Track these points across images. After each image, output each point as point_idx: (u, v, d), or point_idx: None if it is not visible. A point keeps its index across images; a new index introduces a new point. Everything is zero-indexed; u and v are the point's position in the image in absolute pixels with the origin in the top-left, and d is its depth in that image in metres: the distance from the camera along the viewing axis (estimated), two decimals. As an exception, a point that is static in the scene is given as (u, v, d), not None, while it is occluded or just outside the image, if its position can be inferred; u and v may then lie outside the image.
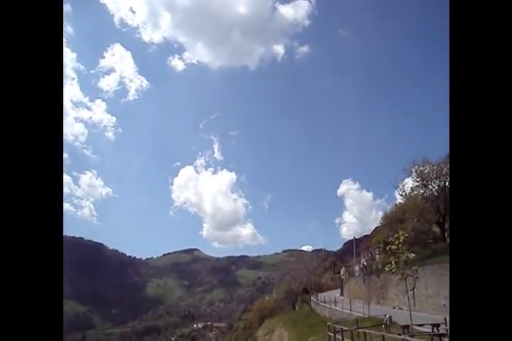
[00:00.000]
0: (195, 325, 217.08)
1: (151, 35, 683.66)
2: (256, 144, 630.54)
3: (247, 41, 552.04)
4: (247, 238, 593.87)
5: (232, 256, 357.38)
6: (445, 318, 20.44)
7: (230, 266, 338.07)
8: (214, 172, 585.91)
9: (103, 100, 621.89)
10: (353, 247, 70.17)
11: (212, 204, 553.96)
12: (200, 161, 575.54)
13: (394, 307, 35.34)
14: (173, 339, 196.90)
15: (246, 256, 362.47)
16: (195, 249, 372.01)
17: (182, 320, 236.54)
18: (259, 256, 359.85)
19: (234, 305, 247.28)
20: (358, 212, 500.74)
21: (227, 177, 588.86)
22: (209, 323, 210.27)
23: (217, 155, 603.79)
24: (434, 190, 46.18)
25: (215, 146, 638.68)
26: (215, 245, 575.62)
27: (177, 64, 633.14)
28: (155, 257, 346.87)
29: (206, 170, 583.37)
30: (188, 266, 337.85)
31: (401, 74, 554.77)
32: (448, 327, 18.84)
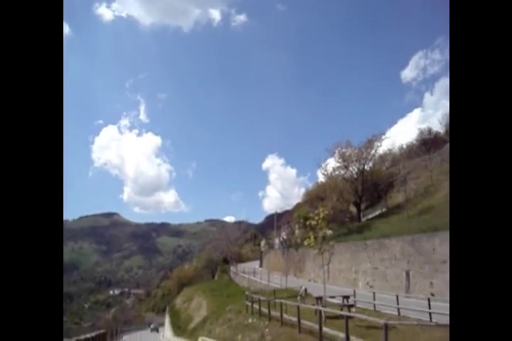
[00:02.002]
0: (111, 292, 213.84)
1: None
2: (184, 110, 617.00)
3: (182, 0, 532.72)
4: (169, 205, 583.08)
5: (153, 223, 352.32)
6: (354, 291, 22.29)
7: (151, 233, 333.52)
8: (138, 135, 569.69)
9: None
10: (275, 221, 72.13)
11: (134, 168, 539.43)
12: (125, 122, 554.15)
13: (310, 280, 37.38)
14: (86, 305, 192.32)
15: (167, 223, 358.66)
16: (115, 213, 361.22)
17: (97, 286, 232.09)
18: (180, 224, 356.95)
19: (153, 272, 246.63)
20: (281, 187, 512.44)
21: (152, 141, 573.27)
22: (126, 290, 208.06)
23: (142, 117, 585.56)
24: (353, 172, 48.59)
25: (141, 108, 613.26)
26: (135, 210, 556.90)
27: (104, 13, 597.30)
28: (70, 219, 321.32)
29: (130, 131, 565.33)
30: (106, 230, 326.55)
31: (335, 54, 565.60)
32: (355, 298, 20.68)
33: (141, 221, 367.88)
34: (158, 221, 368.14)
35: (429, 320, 15.59)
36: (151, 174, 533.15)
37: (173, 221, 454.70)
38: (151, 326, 63.44)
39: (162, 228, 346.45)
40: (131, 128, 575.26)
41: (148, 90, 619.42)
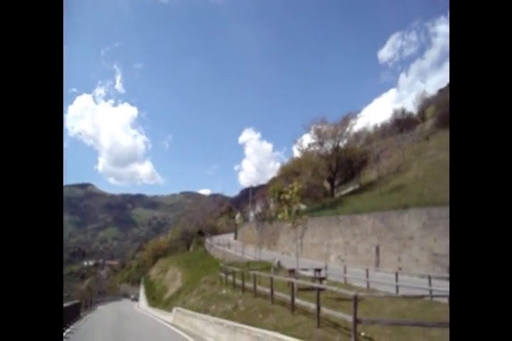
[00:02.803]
0: (85, 263, 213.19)
1: None
2: (161, 81, 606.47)
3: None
4: (145, 176, 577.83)
5: (128, 194, 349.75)
6: (326, 264, 22.95)
7: (126, 204, 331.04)
8: (114, 105, 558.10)
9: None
10: (250, 194, 72.59)
11: (110, 138, 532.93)
12: (100, 91, 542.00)
13: (283, 253, 38.14)
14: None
15: (143, 195, 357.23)
16: (89, 184, 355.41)
17: (71, 257, 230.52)
18: (156, 196, 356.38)
19: (128, 244, 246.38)
20: (257, 161, 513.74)
21: (127, 111, 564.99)
22: (101, 261, 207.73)
23: (118, 87, 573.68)
24: (328, 148, 49.11)
25: (118, 77, 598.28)
26: (110, 181, 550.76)
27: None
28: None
29: (106, 101, 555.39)
30: (80, 201, 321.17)
31: (314, 31, 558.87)
32: (327, 271, 21.35)
33: (116, 192, 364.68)
34: (133, 192, 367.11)
35: (396, 292, 16.35)
36: (127, 145, 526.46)
37: (149, 192, 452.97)
38: (132, 296, 63.97)
39: (137, 199, 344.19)
40: (106, 98, 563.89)
41: (124, 59, 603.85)
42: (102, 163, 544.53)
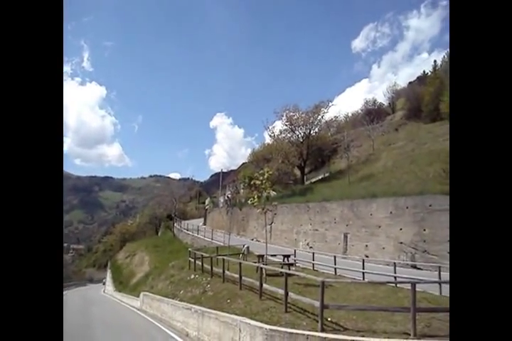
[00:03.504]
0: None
1: None
2: (132, 61, 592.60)
3: None
4: (113, 158, 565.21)
5: (95, 176, 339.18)
6: (295, 250, 23.27)
7: (93, 187, 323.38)
8: (81, 84, 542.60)
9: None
10: (220, 179, 72.52)
11: (76, 118, 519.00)
12: (66, 68, 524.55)
13: (252, 239, 38.42)
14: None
15: (111, 178, 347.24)
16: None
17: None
18: (124, 179, 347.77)
19: (94, 227, 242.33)
20: (227, 146, 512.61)
21: (95, 90, 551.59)
22: (65, 245, 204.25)
23: (86, 65, 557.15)
24: (299, 136, 49.43)
25: (86, 55, 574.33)
26: (76, 162, 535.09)
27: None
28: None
29: (72, 79, 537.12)
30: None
31: (289, 17, 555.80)
32: (295, 258, 21.66)
33: (83, 174, 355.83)
34: (101, 174, 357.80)
35: (362, 279, 16.76)
36: (94, 125, 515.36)
37: (117, 175, 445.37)
38: (104, 280, 63.27)
39: (105, 182, 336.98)
40: (73, 76, 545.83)
41: (93, 36, 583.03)
42: (68, 144, 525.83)
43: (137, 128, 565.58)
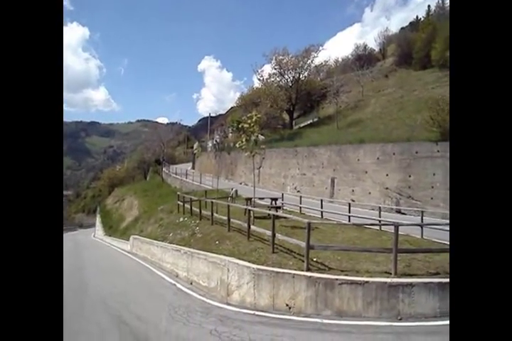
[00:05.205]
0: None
1: None
2: (116, 1, 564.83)
3: None
4: (99, 103, 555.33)
5: (81, 122, 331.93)
6: (282, 194, 23.60)
7: (79, 132, 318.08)
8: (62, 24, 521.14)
9: None
10: (208, 124, 72.04)
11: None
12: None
13: (241, 183, 38.80)
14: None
15: (97, 123, 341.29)
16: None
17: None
18: (111, 124, 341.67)
19: (82, 173, 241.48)
20: (216, 90, 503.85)
21: (78, 31, 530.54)
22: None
23: (67, 2, 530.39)
24: (289, 80, 48.67)
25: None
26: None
27: None
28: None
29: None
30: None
31: None
32: (283, 201, 21.99)
33: (68, 119, 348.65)
34: (87, 120, 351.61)
35: (348, 222, 17.20)
36: (78, 68, 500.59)
37: (104, 120, 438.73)
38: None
39: (92, 127, 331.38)
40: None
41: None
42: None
43: (123, 72, 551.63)
